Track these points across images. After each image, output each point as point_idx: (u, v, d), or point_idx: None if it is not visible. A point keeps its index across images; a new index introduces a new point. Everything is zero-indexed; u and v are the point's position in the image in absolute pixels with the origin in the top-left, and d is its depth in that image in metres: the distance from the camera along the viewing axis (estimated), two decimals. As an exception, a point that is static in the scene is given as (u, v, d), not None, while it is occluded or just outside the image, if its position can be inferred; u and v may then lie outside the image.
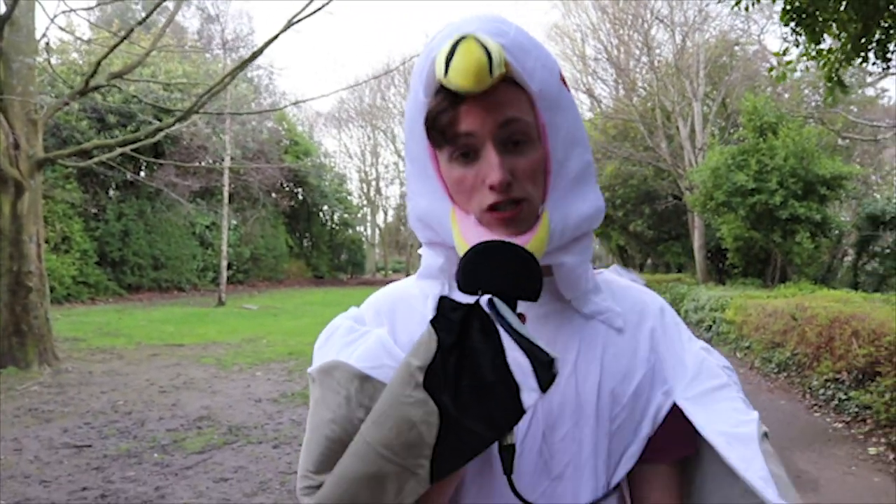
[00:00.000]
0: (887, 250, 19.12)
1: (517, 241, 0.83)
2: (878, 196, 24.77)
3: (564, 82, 0.92)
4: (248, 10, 37.63)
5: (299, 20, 9.28)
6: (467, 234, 0.89)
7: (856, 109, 23.55)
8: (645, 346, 0.97)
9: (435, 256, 0.98)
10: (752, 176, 15.52)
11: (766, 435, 0.88)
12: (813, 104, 23.12)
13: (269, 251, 30.20)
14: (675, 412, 0.93)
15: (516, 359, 0.72)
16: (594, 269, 1.04)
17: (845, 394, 7.16)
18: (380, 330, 0.96)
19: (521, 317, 0.82)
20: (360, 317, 1.02)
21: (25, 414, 6.84)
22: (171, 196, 19.13)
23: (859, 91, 23.95)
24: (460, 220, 0.91)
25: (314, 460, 0.86)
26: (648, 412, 0.94)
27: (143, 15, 9.12)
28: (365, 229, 46.41)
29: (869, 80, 23.99)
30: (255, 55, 9.88)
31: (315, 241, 37.01)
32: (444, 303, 0.76)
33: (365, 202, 49.01)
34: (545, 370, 0.71)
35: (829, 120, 20.06)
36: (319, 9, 9.21)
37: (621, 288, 1.04)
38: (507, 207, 0.87)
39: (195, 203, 23.94)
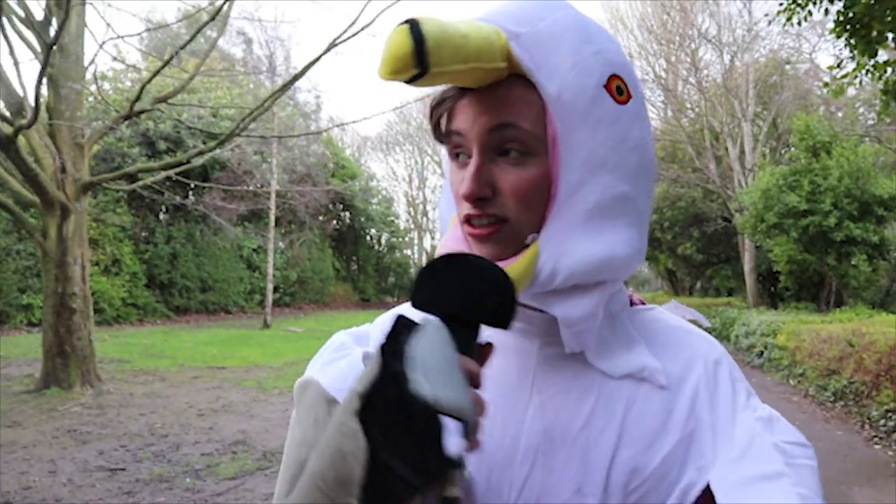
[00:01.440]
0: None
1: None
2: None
3: (618, 93, 0.74)
4: (279, 36, 37.63)
5: (341, 42, 9.30)
6: (446, 245, 0.78)
7: (915, 128, 22.78)
8: (684, 407, 0.76)
9: None
10: (805, 197, 15.08)
11: None
12: (869, 122, 22.46)
13: (315, 274, 30.33)
14: (710, 497, 0.71)
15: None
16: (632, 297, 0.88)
17: (908, 425, 6.79)
18: (361, 350, 0.87)
19: (487, 347, 0.69)
20: (365, 334, 0.93)
21: (64, 435, 6.86)
22: (218, 220, 19.40)
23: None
24: (454, 229, 0.80)
25: (286, 482, 0.77)
26: (675, 491, 0.73)
27: (187, 41, 9.22)
28: (412, 253, 46.44)
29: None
30: (296, 77, 9.92)
31: (362, 265, 37.10)
32: (399, 321, 0.64)
33: (412, 225, 49.18)
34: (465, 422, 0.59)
35: (886, 138, 19.47)
36: (361, 30, 9.23)
37: (666, 330, 0.83)
38: (482, 222, 0.74)
39: (242, 227, 24.26)
